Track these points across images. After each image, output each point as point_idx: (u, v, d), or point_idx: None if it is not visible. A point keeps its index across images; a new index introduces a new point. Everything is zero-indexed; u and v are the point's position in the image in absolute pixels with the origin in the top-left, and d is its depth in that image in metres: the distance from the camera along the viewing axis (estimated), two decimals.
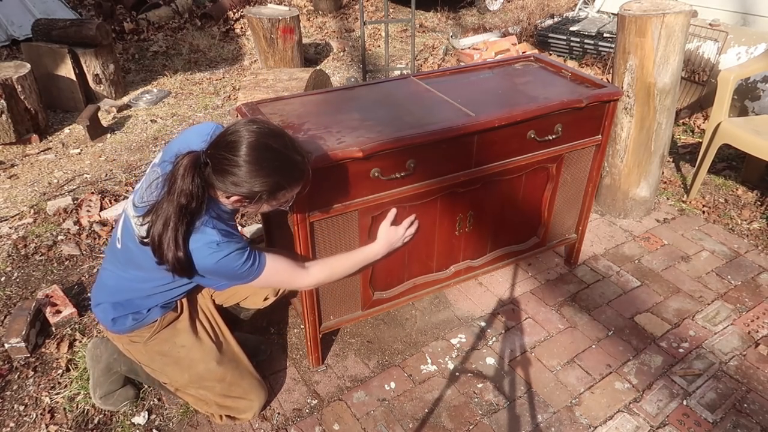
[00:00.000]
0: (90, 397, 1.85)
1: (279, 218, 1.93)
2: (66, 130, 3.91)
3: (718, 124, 2.82)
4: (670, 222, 2.85)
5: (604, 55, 4.82)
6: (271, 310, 2.26)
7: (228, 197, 1.40)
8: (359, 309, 1.97)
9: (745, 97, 3.61)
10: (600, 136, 2.13)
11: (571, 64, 4.82)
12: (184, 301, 1.70)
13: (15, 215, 2.91)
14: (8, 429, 1.80)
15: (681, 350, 2.10)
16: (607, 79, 3.98)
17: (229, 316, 1.88)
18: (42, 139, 3.75)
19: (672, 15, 2.33)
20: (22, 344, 2.00)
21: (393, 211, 1.79)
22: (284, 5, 6.52)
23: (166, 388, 1.79)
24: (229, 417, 1.78)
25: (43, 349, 2.08)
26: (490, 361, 2.04)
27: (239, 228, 2.67)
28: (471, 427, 1.80)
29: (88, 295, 1.73)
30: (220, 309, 1.81)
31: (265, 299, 1.83)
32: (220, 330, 1.77)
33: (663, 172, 3.10)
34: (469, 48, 5.40)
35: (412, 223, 1.86)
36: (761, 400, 1.90)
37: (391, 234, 1.80)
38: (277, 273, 1.56)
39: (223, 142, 1.35)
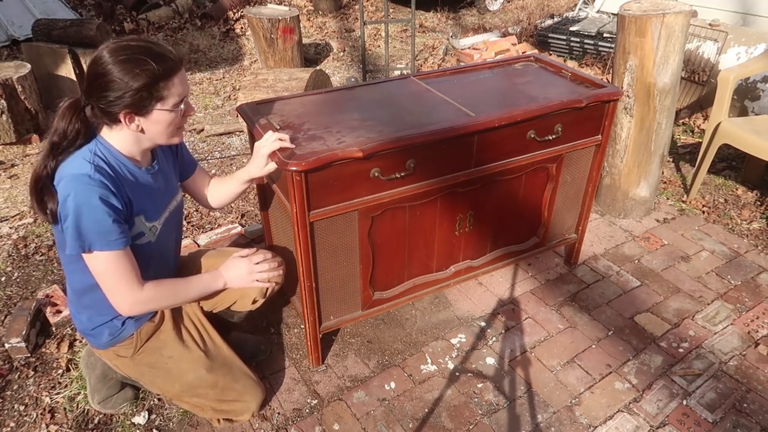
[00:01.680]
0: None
1: (279, 218, 1.93)
2: None
3: (718, 124, 2.82)
4: (670, 222, 2.85)
5: (604, 55, 4.82)
6: (271, 310, 2.26)
7: (116, 120, 1.37)
8: (359, 309, 1.97)
9: (745, 97, 3.61)
10: (600, 136, 2.13)
11: (571, 64, 4.83)
12: (166, 311, 1.66)
13: (15, 215, 2.92)
14: (8, 429, 1.80)
15: (681, 350, 2.10)
16: (607, 79, 3.98)
17: (221, 321, 1.86)
18: (42, 139, 3.75)
19: (672, 15, 2.34)
20: (23, 344, 2.00)
21: (252, 250, 1.73)
22: (284, 5, 6.52)
23: (166, 400, 1.80)
24: (227, 420, 1.78)
25: (43, 349, 2.08)
26: (490, 361, 2.04)
27: (240, 228, 2.67)
28: (471, 427, 1.80)
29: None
30: (209, 315, 1.79)
31: (254, 302, 1.78)
32: (209, 336, 1.74)
33: (663, 172, 3.10)
34: (469, 48, 5.41)
35: (266, 260, 1.73)
36: (761, 400, 1.90)
37: (236, 269, 1.68)
38: (118, 268, 1.41)
39: (89, 74, 1.36)
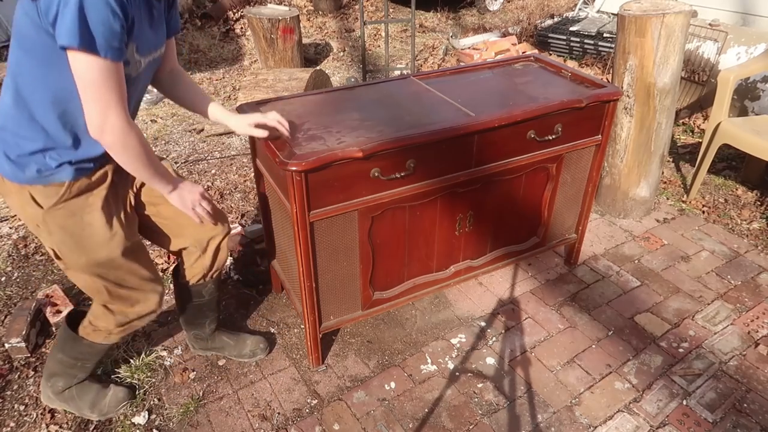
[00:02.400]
0: None
1: (279, 218, 1.93)
2: None
3: (718, 124, 2.82)
4: (670, 222, 2.85)
5: (604, 55, 4.82)
6: (271, 310, 2.27)
7: None
8: (359, 309, 1.97)
9: (745, 97, 3.61)
10: (600, 136, 2.13)
11: (571, 64, 4.83)
12: (110, 174, 1.47)
13: (15, 215, 2.92)
14: (9, 429, 1.80)
15: (681, 350, 2.10)
16: (607, 79, 3.98)
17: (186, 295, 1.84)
18: None
19: (672, 15, 2.34)
20: (23, 344, 2.00)
21: (207, 195, 1.61)
22: (284, 5, 6.52)
23: (56, 263, 1.58)
24: (120, 316, 1.63)
25: (43, 349, 2.08)
26: (490, 361, 2.04)
27: (240, 228, 2.67)
28: (471, 427, 1.80)
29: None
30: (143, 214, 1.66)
31: (185, 248, 1.71)
32: (131, 222, 1.58)
33: (663, 172, 3.10)
34: (469, 48, 5.41)
35: (213, 207, 1.63)
36: (761, 400, 1.90)
37: (189, 191, 1.54)
38: (114, 80, 1.24)
39: None
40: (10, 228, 2.81)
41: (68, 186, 1.39)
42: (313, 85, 3.94)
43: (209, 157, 3.54)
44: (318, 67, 4.60)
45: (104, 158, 1.42)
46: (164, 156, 3.51)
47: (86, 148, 1.38)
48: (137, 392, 1.90)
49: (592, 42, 4.93)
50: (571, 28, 5.09)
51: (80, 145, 1.38)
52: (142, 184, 1.61)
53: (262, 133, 1.66)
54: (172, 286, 1.99)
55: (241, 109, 1.87)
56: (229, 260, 2.51)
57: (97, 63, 1.20)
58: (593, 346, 2.11)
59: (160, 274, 1.70)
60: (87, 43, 1.16)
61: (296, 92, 3.76)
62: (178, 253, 1.79)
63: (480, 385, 1.95)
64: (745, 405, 1.88)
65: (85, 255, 1.48)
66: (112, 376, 1.95)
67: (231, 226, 2.71)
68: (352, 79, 4.76)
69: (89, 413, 1.81)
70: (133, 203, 1.61)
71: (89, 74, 1.21)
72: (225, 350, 2.03)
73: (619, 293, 2.37)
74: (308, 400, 1.89)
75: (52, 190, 1.38)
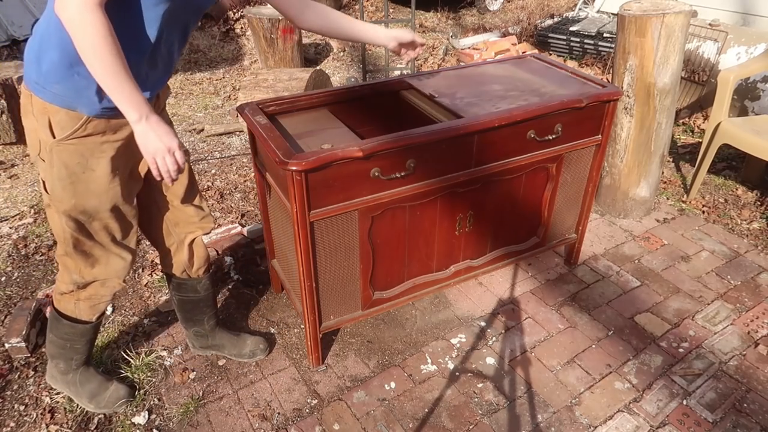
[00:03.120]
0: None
1: (279, 218, 1.93)
2: None
3: (718, 124, 2.82)
4: (670, 222, 2.85)
5: (604, 55, 4.82)
6: (271, 310, 2.27)
7: None
8: (359, 309, 1.97)
9: (745, 97, 3.61)
10: (600, 136, 2.13)
11: (571, 64, 4.83)
12: (128, 127, 1.39)
13: (15, 215, 2.92)
14: (9, 429, 1.80)
15: (681, 350, 2.10)
16: (607, 79, 3.98)
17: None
18: None
19: (672, 15, 2.34)
20: (23, 344, 2.00)
21: (183, 150, 1.38)
22: None
23: (45, 202, 1.53)
24: (65, 265, 1.60)
25: (43, 349, 2.08)
26: (490, 361, 2.04)
27: (240, 228, 2.67)
28: (471, 427, 1.80)
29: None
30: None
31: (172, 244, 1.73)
32: (133, 185, 1.56)
33: (663, 172, 3.10)
34: (469, 48, 5.41)
35: (181, 162, 1.37)
36: (761, 400, 1.90)
37: (161, 135, 1.31)
38: None
39: None
40: (10, 228, 2.81)
41: (86, 121, 1.36)
42: (313, 85, 3.94)
43: (209, 157, 3.54)
44: (318, 67, 4.60)
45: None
46: None
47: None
48: (137, 392, 1.90)
49: (592, 42, 4.93)
50: (571, 28, 5.09)
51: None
52: None
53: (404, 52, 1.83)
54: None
55: (241, 109, 1.87)
56: (230, 260, 2.51)
57: None
58: (593, 346, 2.11)
59: (136, 247, 1.66)
60: None
61: (296, 92, 3.75)
62: (162, 248, 1.80)
63: (480, 385, 1.95)
64: (745, 405, 1.88)
65: (75, 198, 1.45)
66: (115, 376, 1.95)
67: (231, 226, 2.71)
68: (352, 79, 4.77)
69: (87, 403, 1.82)
70: (142, 174, 1.58)
71: None
72: (225, 349, 2.03)
73: (619, 293, 2.38)
74: (308, 400, 1.89)
75: (70, 118, 1.35)
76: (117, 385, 1.86)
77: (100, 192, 1.47)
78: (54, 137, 1.37)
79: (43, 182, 1.47)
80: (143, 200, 1.67)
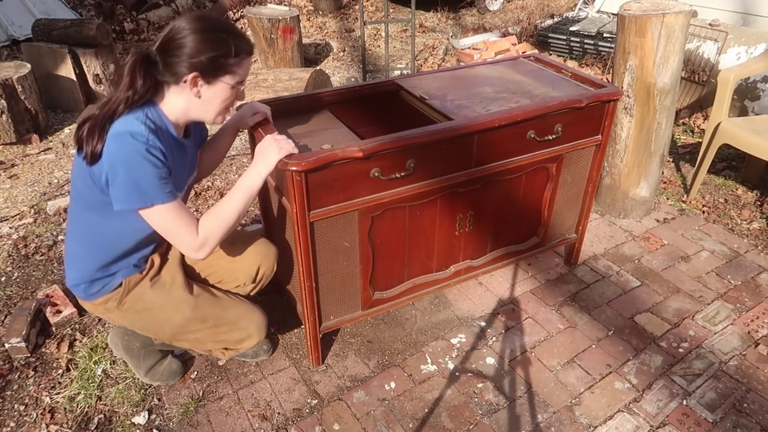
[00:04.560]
0: (91, 397, 1.87)
1: (279, 218, 1.93)
2: (66, 130, 3.91)
3: (718, 124, 2.82)
4: (670, 222, 2.85)
5: (604, 55, 4.82)
6: (271, 310, 2.26)
7: (179, 81, 1.40)
8: (359, 309, 1.97)
9: (745, 97, 3.61)
10: (600, 136, 2.13)
11: (571, 64, 4.83)
12: (155, 259, 1.67)
13: (15, 215, 2.92)
14: (8, 429, 1.80)
15: (681, 350, 2.10)
16: (607, 79, 3.98)
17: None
18: (42, 139, 3.75)
19: (672, 15, 2.34)
20: (23, 344, 2.00)
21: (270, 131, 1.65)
22: (284, 5, 6.52)
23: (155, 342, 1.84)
24: (231, 350, 1.82)
25: (43, 349, 2.08)
26: (490, 361, 2.04)
27: (239, 228, 2.67)
28: (471, 427, 1.80)
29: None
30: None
31: (238, 286, 1.83)
32: (187, 281, 1.73)
33: (663, 172, 3.10)
34: (469, 48, 5.41)
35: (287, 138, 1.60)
36: (761, 400, 1.90)
37: (267, 149, 1.54)
38: (177, 218, 1.44)
39: (169, 31, 1.40)
40: (10, 228, 2.81)
41: (126, 283, 1.62)
42: (313, 85, 3.94)
43: None
44: (318, 67, 4.60)
45: (148, 248, 1.64)
46: None
47: (130, 258, 1.60)
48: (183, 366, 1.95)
49: (592, 42, 4.93)
50: (571, 28, 5.09)
51: (127, 257, 1.60)
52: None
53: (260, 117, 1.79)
54: None
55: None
56: None
57: (160, 210, 1.41)
58: (593, 346, 2.11)
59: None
60: (148, 202, 1.38)
61: (296, 92, 3.75)
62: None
63: (480, 385, 1.95)
64: (745, 405, 1.88)
65: (167, 325, 1.69)
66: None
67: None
68: (352, 79, 4.77)
69: (143, 375, 1.90)
70: (181, 267, 1.74)
71: (159, 220, 1.44)
72: None
73: (619, 293, 2.38)
74: (308, 400, 1.89)
75: (114, 294, 1.62)
76: (171, 359, 1.94)
77: (174, 307, 1.68)
78: (114, 310, 1.64)
79: (145, 332, 1.78)
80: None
